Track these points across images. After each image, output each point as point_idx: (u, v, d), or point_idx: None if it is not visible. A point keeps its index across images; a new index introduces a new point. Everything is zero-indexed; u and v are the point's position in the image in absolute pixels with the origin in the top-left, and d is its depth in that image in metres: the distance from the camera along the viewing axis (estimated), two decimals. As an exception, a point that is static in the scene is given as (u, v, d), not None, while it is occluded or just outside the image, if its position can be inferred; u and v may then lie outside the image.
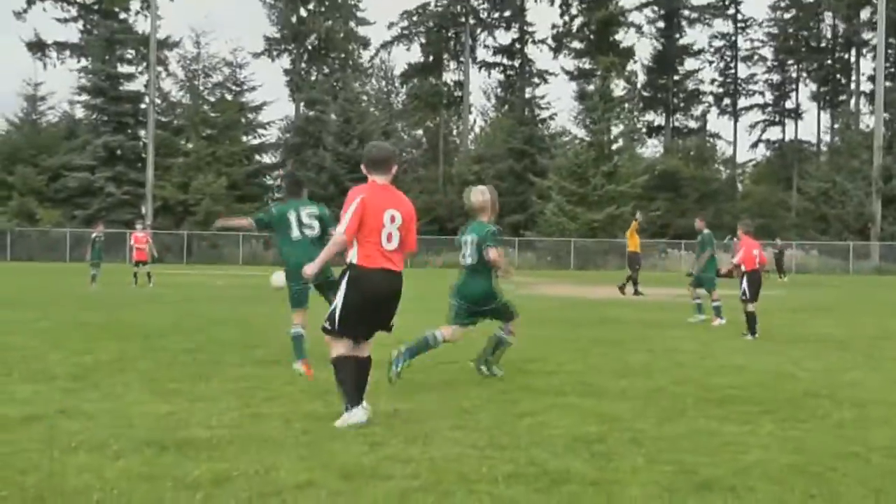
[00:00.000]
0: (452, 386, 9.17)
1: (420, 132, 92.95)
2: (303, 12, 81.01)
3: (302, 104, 78.56)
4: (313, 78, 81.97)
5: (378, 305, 7.22)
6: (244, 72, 75.56)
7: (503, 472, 5.66)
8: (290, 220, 10.02)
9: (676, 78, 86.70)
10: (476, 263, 9.54)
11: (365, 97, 78.05)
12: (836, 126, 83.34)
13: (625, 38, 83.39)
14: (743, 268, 14.98)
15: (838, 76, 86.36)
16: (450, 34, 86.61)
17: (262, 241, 59.73)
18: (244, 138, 73.22)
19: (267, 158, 77.41)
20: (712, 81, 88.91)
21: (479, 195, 9.75)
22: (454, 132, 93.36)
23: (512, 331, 9.94)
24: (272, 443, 6.41)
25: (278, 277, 10.02)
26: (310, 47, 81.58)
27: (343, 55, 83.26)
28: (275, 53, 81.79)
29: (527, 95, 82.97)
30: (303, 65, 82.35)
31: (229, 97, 73.40)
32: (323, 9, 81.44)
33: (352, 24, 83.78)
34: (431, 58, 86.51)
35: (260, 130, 75.95)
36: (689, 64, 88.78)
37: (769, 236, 53.53)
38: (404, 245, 7.26)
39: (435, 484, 5.41)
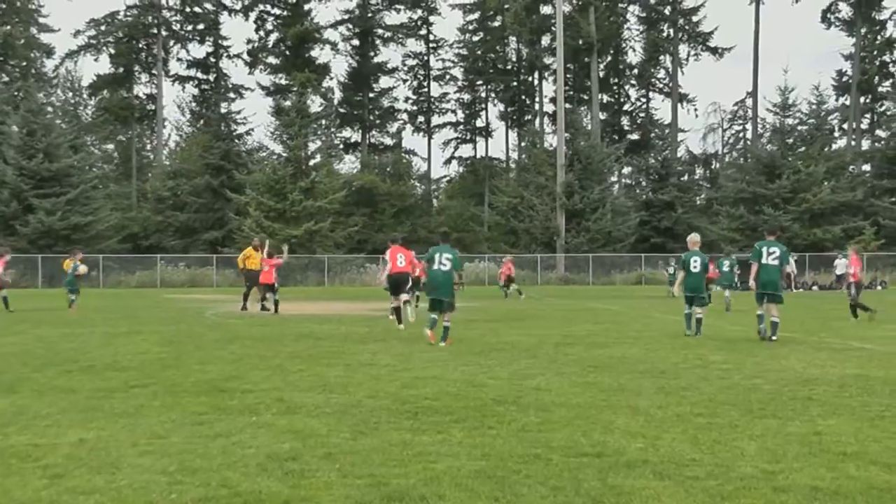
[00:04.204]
0: (144, 411, 8.81)
1: (111, 146, 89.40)
2: (-24, 15, 75.79)
3: (-23, 114, 73.19)
4: (-9, 87, 76.82)
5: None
6: None
7: (193, 496, 5.51)
8: (435, 258, 16.34)
9: (372, 95, 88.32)
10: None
11: (50, 108, 73.72)
12: (522, 144, 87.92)
13: (320, 54, 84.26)
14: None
15: (523, 97, 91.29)
16: (141, 45, 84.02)
17: None
18: None
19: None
20: (406, 99, 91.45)
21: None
22: (147, 147, 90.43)
23: None
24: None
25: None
26: (-14, 53, 76.52)
27: (24, 63, 78.68)
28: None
29: (223, 110, 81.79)
30: (-22, 72, 77.06)
31: None
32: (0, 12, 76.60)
33: (33, 30, 79.45)
34: (122, 69, 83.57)
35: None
36: (384, 82, 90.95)
37: (464, 250, 55.40)
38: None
39: (120, 515, 5.19)
